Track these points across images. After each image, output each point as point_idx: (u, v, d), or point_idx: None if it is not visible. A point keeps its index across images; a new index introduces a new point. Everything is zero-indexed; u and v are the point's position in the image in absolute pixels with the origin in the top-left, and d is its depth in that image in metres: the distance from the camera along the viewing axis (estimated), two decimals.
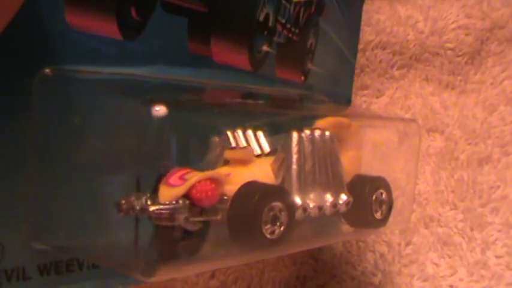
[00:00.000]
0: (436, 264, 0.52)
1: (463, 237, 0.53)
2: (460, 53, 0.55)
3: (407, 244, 0.52)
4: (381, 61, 0.53)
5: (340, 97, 0.45)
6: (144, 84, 0.32)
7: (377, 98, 0.53)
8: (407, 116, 0.53)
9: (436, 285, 0.51)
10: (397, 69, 0.54)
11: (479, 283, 0.52)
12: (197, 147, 0.30)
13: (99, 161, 0.27)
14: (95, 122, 0.28)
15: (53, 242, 0.29)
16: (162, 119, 0.24)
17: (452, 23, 0.55)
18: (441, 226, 0.53)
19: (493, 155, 0.55)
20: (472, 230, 0.53)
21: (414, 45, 0.54)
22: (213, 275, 0.46)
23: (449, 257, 0.52)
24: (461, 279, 0.52)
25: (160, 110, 0.24)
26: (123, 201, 0.25)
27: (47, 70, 0.28)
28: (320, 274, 0.50)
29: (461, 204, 0.54)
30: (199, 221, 0.28)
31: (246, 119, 0.32)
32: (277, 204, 0.29)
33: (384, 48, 0.53)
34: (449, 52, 0.55)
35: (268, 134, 0.32)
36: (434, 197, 0.53)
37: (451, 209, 0.54)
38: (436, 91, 0.55)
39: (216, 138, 0.31)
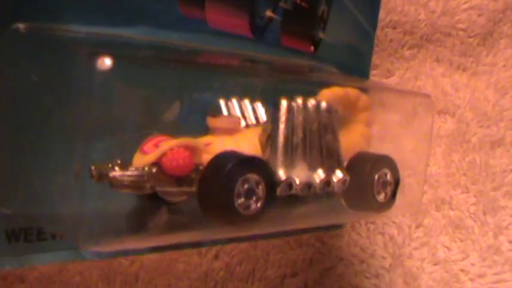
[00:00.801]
0: (447, 247, 0.51)
1: (475, 221, 0.52)
2: (472, 34, 0.54)
3: (418, 226, 0.50)
4: (391, 40, 0.52)
5: (358, 72, 0.43)
6: (116, 43, 0.29)
7: (387, 78, 0.52)
8: None
9: (448, 269, 0.50)
10: (408, 49, 0.53)
11: (492, 268, 0.50)
12: (155, 105, 0.28)
13: (59, 124, 0.25)
14: (56, 82, 0.26)
15: (14, 208, 0.27)
16: (108, 71, 0.22)
17: (465, 3, 0.54)
18: (453, 209, 0.52)
19: (505, 138, 0.54)
20: (484, 214, 0.52)
21: (425, 25, 0.53)
22: (216, 256, 0.45)
23: (461, 240, 0.51)
24: (473, 264, 0.50)
25: (106, 62, 0.22)
26: (78, 167, 0.23)
27: (21, 26, 0.26)
28: (327, 257, 0.48)
29: (473, 188, 0.52)
30: (181, 193, 0.26)
31: (217, 78, 0.30)
32: (253, 176, 0.26)
33: (395, 28, 0.52)
34: (461, 33, 0.54)
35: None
36: (446, 179, 0.52)
37: (462, 192, 0.52)
38: (447, 72, 0.54)
39: None
